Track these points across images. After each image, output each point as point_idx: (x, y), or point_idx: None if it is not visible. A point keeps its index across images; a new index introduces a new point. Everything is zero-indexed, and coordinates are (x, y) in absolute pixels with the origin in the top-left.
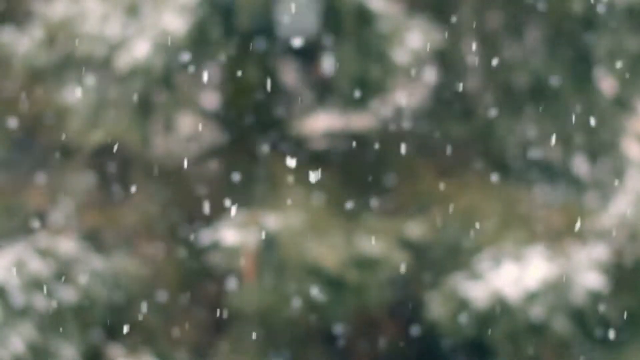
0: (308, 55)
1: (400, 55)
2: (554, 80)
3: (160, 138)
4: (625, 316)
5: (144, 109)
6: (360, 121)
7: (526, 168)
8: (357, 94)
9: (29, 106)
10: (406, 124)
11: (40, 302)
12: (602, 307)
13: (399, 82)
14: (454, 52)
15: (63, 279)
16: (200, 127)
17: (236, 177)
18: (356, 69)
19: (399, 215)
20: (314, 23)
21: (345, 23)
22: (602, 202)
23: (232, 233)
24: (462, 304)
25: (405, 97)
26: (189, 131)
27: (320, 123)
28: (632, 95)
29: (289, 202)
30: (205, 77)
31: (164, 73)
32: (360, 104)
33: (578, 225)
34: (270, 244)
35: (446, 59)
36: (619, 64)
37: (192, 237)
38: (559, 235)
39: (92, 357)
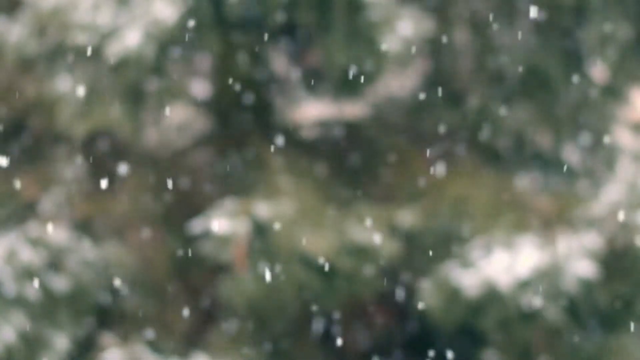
0: (299, 43)
1: (391, 44)
2: (545, 69)
3: (152, 127)
4: (616, 304)
5: (135, 98)
6: (351, 110)
7: (517, 156)
8: (348, 82)
9: (20, 96)
10: (397, 112)
11: (32, 291)
12: (593, 295)
13: (390, 70)
14: (445, 40)
15: (55, 268)
16: (191, 116)
17: (227, 166)
18: (347, 58)
19: (391, 203)
20: (304, 11)
21: (335, 11)
22: (594, 190)
23: (224, 222)
24: (454, 293)
25: (396, 86)
26: (180, 120)
27: (312, 112)
28: (624, 84)
29: (280, 190)
30: (196, 66)
31: (155, 62)
32: (351, 93)
33: (569, 213)
34: (261, 233)
35: (437, 47)
36: (610, 52)
37: (183, 226)
38: (551, 224)
39: (84, 346)
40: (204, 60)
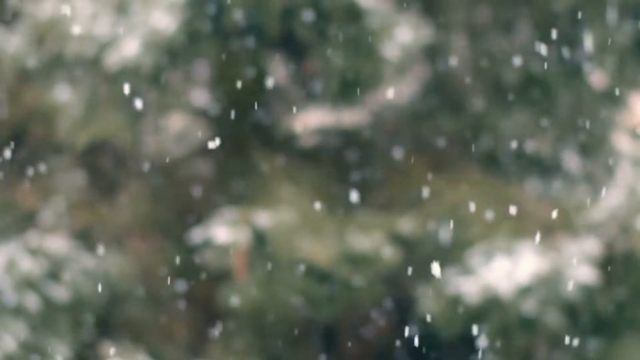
0: (298, 51)
1: (390, 51)
2: (544, 75)
3: (151, 136)
4: (616, 309)
5: (134, 107)
6: (351, 117)
7: (517, 163)
8: (346, 90)
9: (19, 106)
10: (396, 120)
11: (32, 301)
12: (593, 301)
13: (389, 77)
14: (443, 47)
15: (54, 277)
16: (190, 125)
17: (227, 174)
18: (346, 65)
19: (390, 210)
20: (303, 19)
21: (334, 19)
22: (593, 195)
23: (224, 231)
24: (454, 299)
25: (396, 93)
26: (179, 129)
27: (311, 119)
28: (623, 89)
29: (280, 199)
30: (195, 75)
31: (153, 71)
32: (350, 100)
33: (569, 219)
34: (261, 241)
35: (436, 54)
36: (609, 58)
37: (183, 235)
38: (551, 230)
39: (85, 355)
40: (203, 70)
